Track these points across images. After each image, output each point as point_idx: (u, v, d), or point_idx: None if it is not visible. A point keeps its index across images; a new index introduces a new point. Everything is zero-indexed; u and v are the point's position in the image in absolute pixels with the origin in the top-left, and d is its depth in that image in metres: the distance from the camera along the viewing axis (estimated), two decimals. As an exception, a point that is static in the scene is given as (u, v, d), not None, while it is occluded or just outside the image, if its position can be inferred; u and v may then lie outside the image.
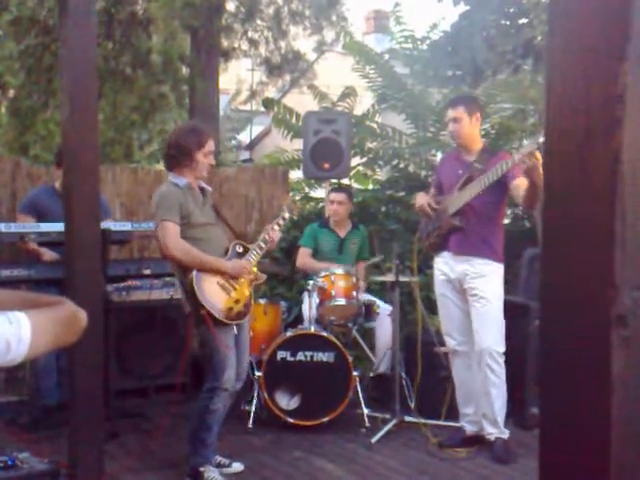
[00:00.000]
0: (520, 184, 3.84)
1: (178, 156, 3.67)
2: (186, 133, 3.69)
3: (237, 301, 3.68)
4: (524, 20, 6.18)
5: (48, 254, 4.57)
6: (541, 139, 3.54)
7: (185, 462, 3.72)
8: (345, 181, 6.98)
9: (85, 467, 2.95)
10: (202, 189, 3.80)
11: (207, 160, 3.70)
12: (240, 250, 3.83)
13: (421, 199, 4.25)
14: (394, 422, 4.39)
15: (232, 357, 3.64)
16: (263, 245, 3.90)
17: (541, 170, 3.61)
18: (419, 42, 7.41)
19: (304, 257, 5.26)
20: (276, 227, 4.02)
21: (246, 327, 3.88)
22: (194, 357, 4.54)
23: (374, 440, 4.23)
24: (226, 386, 3.62)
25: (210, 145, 3.70)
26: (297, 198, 7.48)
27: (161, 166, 14.91)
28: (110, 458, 3.71)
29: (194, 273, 3.56)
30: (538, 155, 3.57)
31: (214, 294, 3.60)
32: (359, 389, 4.51)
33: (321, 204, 6.54)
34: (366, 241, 5.39)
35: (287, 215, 4.19)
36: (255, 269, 3.85)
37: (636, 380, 0.95)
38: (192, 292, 3.54)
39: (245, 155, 18.67)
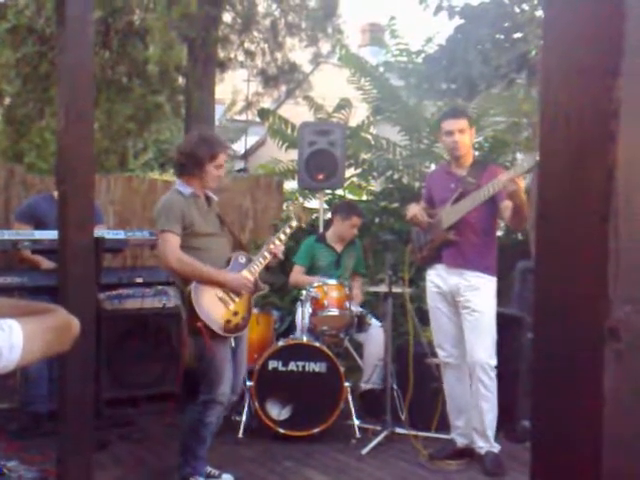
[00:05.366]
0: (508, 205, 3.88)
1: (188, 165, 3.63)
2: (199, 143, 3.63)
3: (236, 313, 3.65)
4: (519, 34, 6.22)
5: (46, 263, 4.56)
6: (527, 165, 3.62)
7: (175, 472, 3.70)
8: (339, 192, 7.00)
9: (74, 476, 2.93)
10: (208, 198, 3.77)
11: (217, 172, 3.67)
12: (243, 261, 3.79)
13: (414, 209, 4.26)
14: (385, 434, 4.38)
15: (228, 370, 3.60)
16: (267, 255, 3.87)
17: (522, 195, 3.70)
18: (414, 55, 7.46)
19: (297, 275, 5.23)
20: (282, 236, 3.99)
21: (244, 339, 3.85)
22: (186, 367, 4.52)
23: (365, 451, 4.22)
24: (221, 399, 3.58)
25: (222, 158, 3.67)
26: (291, 208, 7.49)
27: (155, 175, 14.89)
28: (100, 467, 3.68)
29: (193, 284, 3.54)
30: (517, 180, 3.63)
31: (212, 306, 3.57)
32: (350, 400, 4.50)
33: (315, 215, 6.55)
34: (361, 255, 5.40)
35: (295, 224, 4.13)
36: (257, 280, 3.82)
37: (629, 394, 0.96)
38: (189, 303, 3.52)
39: (240, 165, 18.69)
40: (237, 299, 3.68)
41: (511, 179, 3.67)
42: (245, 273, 3.74)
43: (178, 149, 3.76)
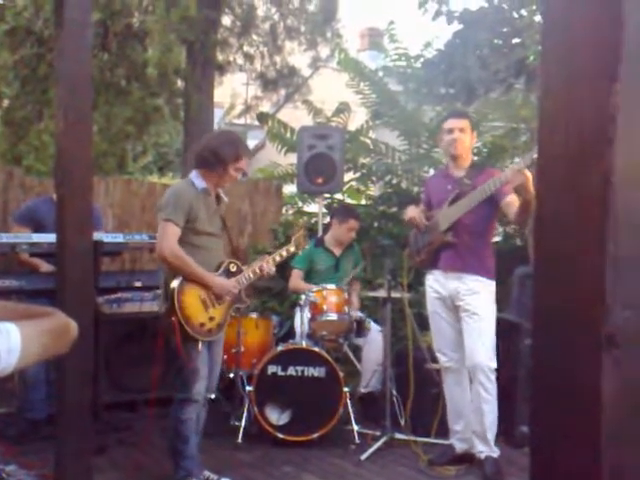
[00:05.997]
0: (512, 201, 3.86)
1: (210, 160, 3.68)
2: (226, 143, 3.71)
3: (212, 318, 3.67)
4: (517, 40, 6.23)
5: (44, 266, 4.55)
6: (535, 155, 3.56)
7: (172, 477, 3.69)
8: (338, 196, 7.00)
9: (72, 480, 2.92)
10: (218, 197, 3.82)
11: (236, 175, 3.76)
12: (233, 269, 3.82)
13: (412, 212, 4.27)
14: (384, 439, 4.37)
15: (203, 369, 3.63)
16: (258, 271, 3.90)
17: (531, 187, 3.62)
18: (413, 60, 7.45)
19: (296, 279, 5.23)
20: (278, 258, 4.05)
21: (220, 340, 3.88)
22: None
23: (364, 457, 4.21)
24: (196, 398, 3.62)
25: (244, 162, 3.75)
26: (290, 212, 7.50)
27: (154, 178, 14.87)
28: (98, 472, 3.66)
29: (180, 279, 3.57)
30: (527, 172, 3.59)
31: (191, 305, 3.60)
32: (349, 405, 4.49)
33: (314, 219, 6.55)
34: (360, 259, 5.40)
35: (292, 250, 4.21)
36: (242, 292, 3.85)
37: (626, 400, 0.96)
38: (171, 297, 3.55)
39: (239, 168, 18.70)
40: (217, 305, 3.70)
41: (519, 170, 3.61)
42: (232, 282, 3.77)
43: (204, 142, 3.81)
